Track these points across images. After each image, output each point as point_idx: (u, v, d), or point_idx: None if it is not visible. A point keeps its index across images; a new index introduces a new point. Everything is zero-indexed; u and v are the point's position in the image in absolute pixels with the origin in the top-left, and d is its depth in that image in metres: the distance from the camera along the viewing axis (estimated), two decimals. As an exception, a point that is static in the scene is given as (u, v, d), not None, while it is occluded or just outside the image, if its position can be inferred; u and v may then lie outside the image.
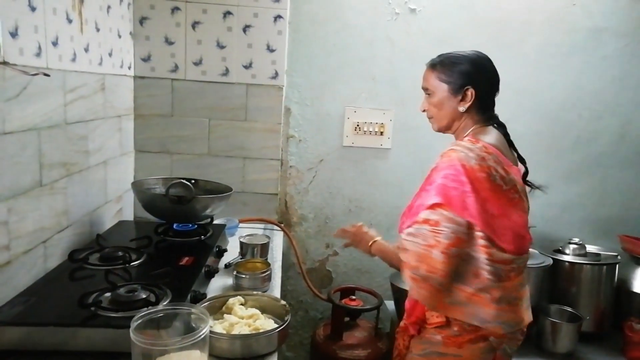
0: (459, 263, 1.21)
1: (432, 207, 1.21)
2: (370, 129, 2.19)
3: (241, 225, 2.07)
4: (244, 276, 1.47)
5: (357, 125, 2.18)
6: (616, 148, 2.29)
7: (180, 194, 1.55)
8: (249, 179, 2.17)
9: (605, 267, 1.95)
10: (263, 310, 1.27)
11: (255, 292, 1.34)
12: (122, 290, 1.18)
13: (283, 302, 1.26)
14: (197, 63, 2.07)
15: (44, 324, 1.07)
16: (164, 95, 2.09)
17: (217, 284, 1.52)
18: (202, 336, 0.92)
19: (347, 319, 2.02)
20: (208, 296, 1.31)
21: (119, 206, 1.97)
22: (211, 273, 1.47)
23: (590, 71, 2.22)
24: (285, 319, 1.18)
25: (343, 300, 2.04)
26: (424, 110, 1.42)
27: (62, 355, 1.07)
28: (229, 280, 1.55)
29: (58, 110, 1.42)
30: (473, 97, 1.31)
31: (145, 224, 1.90)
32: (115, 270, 1.33)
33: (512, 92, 2.17)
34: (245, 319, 1.19)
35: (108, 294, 1.19)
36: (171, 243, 1.62)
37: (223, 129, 2.13)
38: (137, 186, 1.67)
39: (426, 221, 1.21)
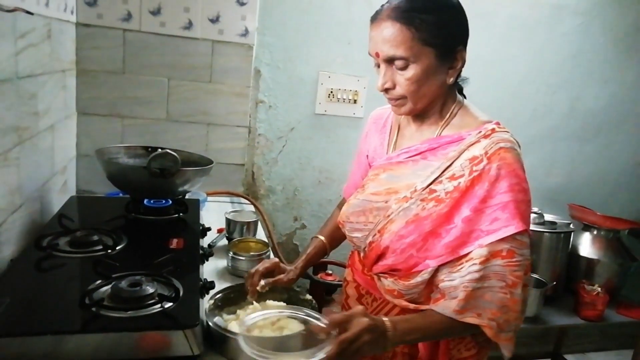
0: None
1: (514, 236, 0.92)
2: (344, 97, 2.07)
3: (208, 198, 1.88)
4: (241, 258, 1.32)
5: (331, 92, 2.06)
6: (566, 122, 2.43)
7: (163, 167, 1.34)
8: (213, 148, 1.96)
9: (562, 234, 2.08)
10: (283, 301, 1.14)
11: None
12: (123, 284, 0.98)
13: (309, 296, 1.14)
14: (155, 12, 1.78)
15: (35, 333, 0.85)
16: (113, 48, 1.79)
17: (209, 268, 1.35)
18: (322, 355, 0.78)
19: (324, 293, 1.96)
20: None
21: (64, 178, 1.67)
22: (206, 256, 1.30)
23: (551, 46, 2.30)
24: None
25: (319, 275, 1.96)
26: (386, 89, 0.99)
27: (62, 368, 0.86)
28: (220, 263, 1.39)
29: (10, 61, 1.12)
30: (463, 63, 0.99)
31: (104, 199, 1.64)
32: (95, 258, 1.11)
33: (481, 64, 2.18)
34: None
35: (106, 289, 0.98)
36: (147, 222, 1.40)
37: (184, 91, 1.88)
38: (101, 155, 1.41)
39: (495, 255, 0.92)
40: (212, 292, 1.11)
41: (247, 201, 1.99)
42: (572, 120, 2.44)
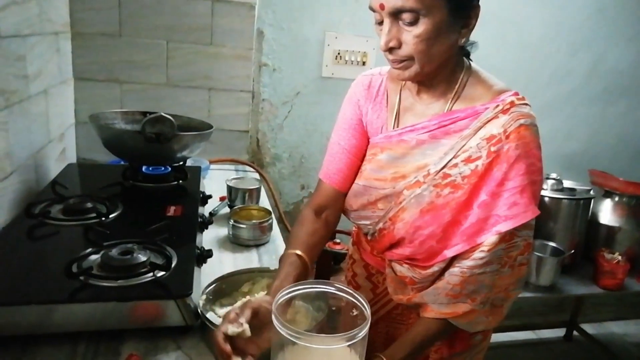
0: None
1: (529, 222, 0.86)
2: (352, 58, 1.97)
3: (211, 166, 1.82)
4: (242, 226, 1.26)
5: (338, 54, 1.96)
6: (587, 84, 2.30)
7: (159, 131, 1.27)
8: (215, 114, 1.89)
9: (582, 201, 1.99)
10: None
11: (274, 269, 1.01)
12: (114, 252, 0.93)
13: None
14: (151, -30, 1.69)
15: (20, 302, 0.81)
16: (108, 9, 1.70)
17: (209, 236, 1.30)
18: (361, 336, 0.70)
19: (332, 262, 1.91)
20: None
21: (62, 146, 1.62)
22: (205, 224, 1.24)
23: (572, 2, 2.15)
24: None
25: (327, 244, 1.91)
26: (390, 49, 0.85)
27: (46, 339, 0.82)
28: (221, 231, 1.34)
29: (-10, 17, 1.05)
30: (476, 22, 0.87)
31: (102, 167, 1.59)
32: (92, 225, 1.07)
33: (497, 23, 2.05)
34: None
35: (95, 257, 0.94)
36: (145, 190, 1.35)
37: (184, 54, 1.80)
38: (96, 120, 1.35)
39: (501, 240, 0.85)
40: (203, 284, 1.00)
41: (252, 169, 1.92)
42: (594, 81, 2.30)
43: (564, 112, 2.32)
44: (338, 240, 1.93)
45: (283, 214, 2.01)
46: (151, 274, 0.90)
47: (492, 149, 0.85)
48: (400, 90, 0.99)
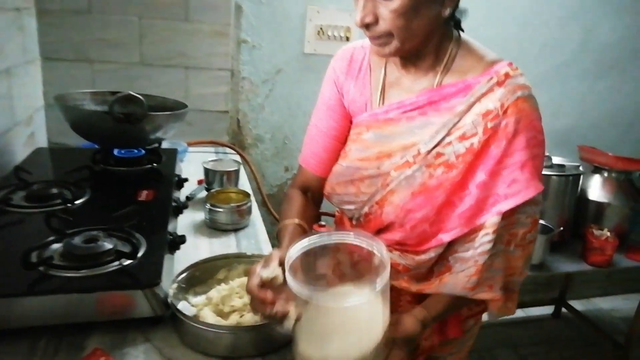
0: None
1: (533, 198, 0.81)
2: (335, 34, 1.90)
3: (189, 149, 1.75)
4: (220, 210, 1.20)
5: (321, 29, 1.88)
6: (577, 57, 2.25)
7: (128, 111, 1.20)
8: (193, 94, 1.81)
9: (570, 177, 1.96)
10: None
11: (252, 254, 0.99)
12: (77, 240, 0.87)
13: None
14: (119, -59, 1.59)
15: (-28, 297, 0.75)
16: (75, -16, 1.61)
17: (185, 221, 1.24)
18: (382, 285, 0.67)
19: (317, 246, 1.86)
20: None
21: (30, 130, 1.54)
22: (180, 209, 1.18)
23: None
24: None
25: (313, 227, 1.86)
26: (366, 25, 0.79)
27: (3, 335, 0.77)
28: (197, 216, 1.28)
29: None
30: None
31: (72, 151, 1.51)
32: (53, 213, 1.00)
33: (484, -6, 1.98)
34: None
35: (57, 246, 0.87)
36: (116, 174, 1.28)
37: (158, 31, 1.72)
38: (62, 101, 1.27)
39: (503, 218, 0.81)
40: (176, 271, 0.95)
41: (232, 151, 1.86)
42: (584, 55, 2.25)
43: (553, 87, 2.27)
44: (323, 223, 1.87)
45: (266, 196, 1.95)
46: (117, 262, 0.84)
47: (489, 125, 0.79)
48: (386, 64, 0.92)
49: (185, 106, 1.39)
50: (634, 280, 2.72)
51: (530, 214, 0.83)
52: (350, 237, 0.75)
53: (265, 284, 0.72)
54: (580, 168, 2.04)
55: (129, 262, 0.84)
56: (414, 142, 0.85)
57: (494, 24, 2.05)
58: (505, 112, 0.79)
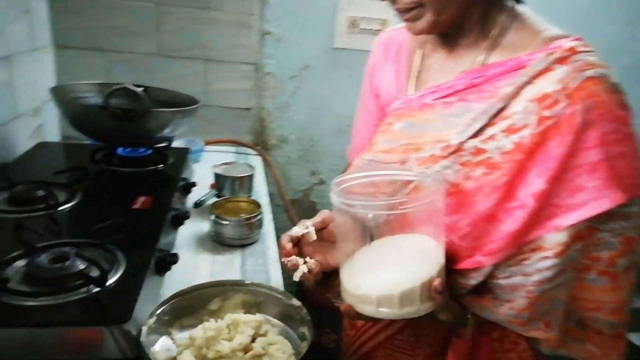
0: None
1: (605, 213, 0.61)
2: (369, 26, 1.71)
3: (206, 148, 1.62)
4: (225, 222, 1.05)
5: (353, 21, 1.70)
6: (646, 59, 1.97)
7: (127, 106, 1.07)
8: (214, 89, 1.68)
9: None
10: (259, 307, 0.80)
11: (249, 282, 0.82)
12: (43, 258, 0.74)
13: (297, 302, 0.77)
14: None
15: None
16: (89, -33, 1.50)
17: (187, 232, 1.10)
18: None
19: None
20: (176, 252, 0.90)
21: (38, 122, 1.44)
22: (180, 219, 1.04)
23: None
24: (304, 340, 0.72)
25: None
26: None
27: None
28: (203, 226, 1.13)
29: None
30: None
31: (78, 147, 1.40)
32: (34, 219, 0.88)
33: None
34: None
35: (21, 263, 0.74)
36: (116, 175, 1.15)
37: (176, 20, 1.59)
38: (59, 93, 1.15)
39: (575, 238, 0.61)
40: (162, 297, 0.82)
41: (254, 152, 1.71)
42: (654, 56, 1.97)
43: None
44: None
45: (289, 202, 1.80)
46: (85, 289, 0.70)
47: (546, 113, 0.61)
48: (424, 45, 0.79)
49: (196, 102, 1.25)
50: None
51: (618, 232, 0.62)
52: (405, 172, 0.68)
53: (296, 241, 0.70)
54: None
55: (97, 289, 0.70)
56: (447, 134, 0.68)
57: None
58: (569, 96, 0.60)
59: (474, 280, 0.66)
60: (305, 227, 0.70)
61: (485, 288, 0.68)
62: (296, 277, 0.67)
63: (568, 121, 0.60)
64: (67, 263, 0.72)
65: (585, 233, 0.61)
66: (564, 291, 0.64)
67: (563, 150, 0.60)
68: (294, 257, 0.68)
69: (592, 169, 0.59)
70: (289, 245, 0.69)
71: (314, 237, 0.69)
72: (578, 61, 0.61)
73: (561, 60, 0.62)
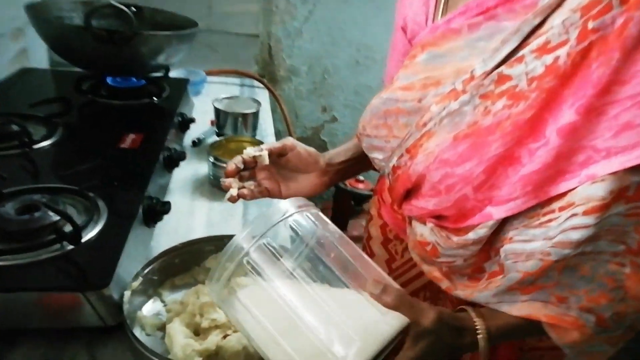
0: None
1: None
2: (395, -59, 1.49)
3: (208, 79, 1.47)
4: (223, 165, 0.93)
5: None
6: None
7: (113, 27, 0.92)
8: (218, 12, 1.51)
9: None
10: None
11: None
12: (9, 207, 0.63)
13: None
14: None
15: None
16: None
17: (183, 175, 0.99)
18: None
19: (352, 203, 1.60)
20: (170, 200, 0.79)
21: (20, 45, 1.29)
22: (174, 160, 0.92)
23: None
24: None
25: (347, 181, 1.58)
26: None
27: None
28: (201, 168, 1.02)
29: None
30: None
31: (66, 75, 1.26)
32: (4, 158, 0.77)
33: None
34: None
35: (-18, 214, 0.64)
36: (104, 108, 1.03)
37: None
38: (37, 11, 1.00)
39: (619, 195, 0.46)
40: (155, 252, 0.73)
41: (260, 84, 1.56)
42: None
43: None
44: (362, 178, 1.60)
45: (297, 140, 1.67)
46: (58, 245, 0.60)
47: (591, 25, 0.45)
48: None
49: (195, 25, 1.10)
50: None
51: None
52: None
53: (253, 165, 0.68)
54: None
55: (71, 246, 0.60)
56: (471, 64, 0.53)
57: None
58: (625, 1, 0.44)
59: (474, 234, 0.53)
60: (259, 150, 0.67)
61: (498, 268, 0.55)
62: (225, 199, 0.65)
63: (617, 35, 0.44)
64: (37, 214, 0.62)
65: (634, 194, 0.45)
66: (592, 266, 0.49)
67: (606, 71, 0.44)
68: (231, 179, 0.66)
69: None
70: (232, 165, 0.66)
71: (266, 161, 0.67)
72: None
73: None
